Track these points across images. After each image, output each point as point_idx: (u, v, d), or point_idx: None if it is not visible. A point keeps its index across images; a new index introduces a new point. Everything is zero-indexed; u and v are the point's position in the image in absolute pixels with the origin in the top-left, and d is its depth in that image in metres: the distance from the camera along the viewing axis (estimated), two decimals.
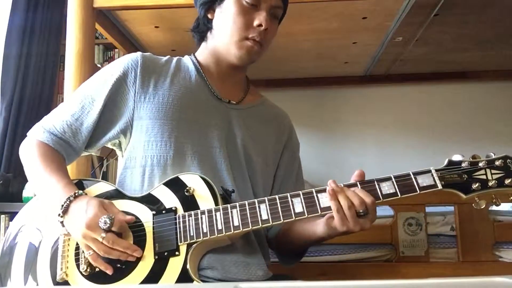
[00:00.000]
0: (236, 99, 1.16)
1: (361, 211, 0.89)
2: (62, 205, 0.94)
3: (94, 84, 1.09)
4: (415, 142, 3.17)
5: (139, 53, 1.11)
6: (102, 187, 1.04)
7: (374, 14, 1.97)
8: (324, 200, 0.91)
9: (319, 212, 0.91)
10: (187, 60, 1.17)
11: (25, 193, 1.83)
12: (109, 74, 1.08)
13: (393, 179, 0.91)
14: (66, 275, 0.96)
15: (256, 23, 1.07)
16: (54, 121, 1.07)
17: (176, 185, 0.98)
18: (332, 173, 3.03)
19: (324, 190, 0.91)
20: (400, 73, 3.10)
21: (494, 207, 1.66)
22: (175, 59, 1.16)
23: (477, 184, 0.89)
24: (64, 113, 1.08)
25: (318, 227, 0.99)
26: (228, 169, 1.06)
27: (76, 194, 0.96)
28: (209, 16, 1.13)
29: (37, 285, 0.98)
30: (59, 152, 1.07)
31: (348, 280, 0.70)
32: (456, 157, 0.92)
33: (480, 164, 0.91)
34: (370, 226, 0.92)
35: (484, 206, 0.90)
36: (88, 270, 0.94)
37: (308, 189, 0.93)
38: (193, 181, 0.97)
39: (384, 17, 2.02)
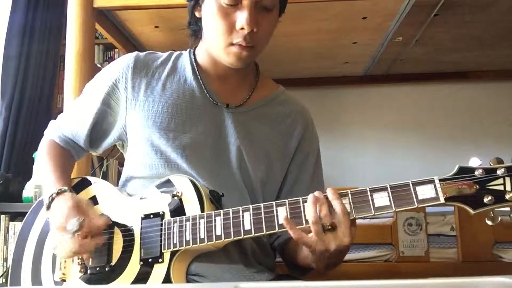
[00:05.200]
0: (238, 101, 1.05)
1: (327, 224, 0.79)
2: (47, 202, 0.96)
3: (93, 88, 1.09)
4: (415, 142, 3.16)
5: (132, 55, 1.05)
6: (101, 186, 1.04)
7: (374, 14, 1.97)
8: None
9: (304, 224, 0.81)
10: (185, 58, 1.08)
11: (25, 193, 1.83)
12: (105, 77, 1.06)
13: (389, 190, 0.78)
14: (64, 274, 0.96)
15: (238, 26, 0.93)
16: (61, 122, 1.12)
17: (166, 188, 0.95)
18: (332, 173, 3.02)
19: None
20: (400, 73, 3.09)
21: None
22: (174, 56, 1.08)
23: (489, 198, 0.74)
24: (69, 115, 1.12)
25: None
26: (220, 178, 0.99)
27: (59, 191, 0.96)
28: (197, 14, 1.02)
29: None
30: (66, 149, 1.10)
31: (348, 280, 0.70)
32: (473, 162, 0.76)
33: (498, 172, 0.73)
34: (339, 247, 0.79)
35: (499, 221, 0.75)
36: (82, 270, 0.94)
37: (295, 198, 0.84)
38: (182, 184, 0.93)
39: (384, 17, 2.02)
